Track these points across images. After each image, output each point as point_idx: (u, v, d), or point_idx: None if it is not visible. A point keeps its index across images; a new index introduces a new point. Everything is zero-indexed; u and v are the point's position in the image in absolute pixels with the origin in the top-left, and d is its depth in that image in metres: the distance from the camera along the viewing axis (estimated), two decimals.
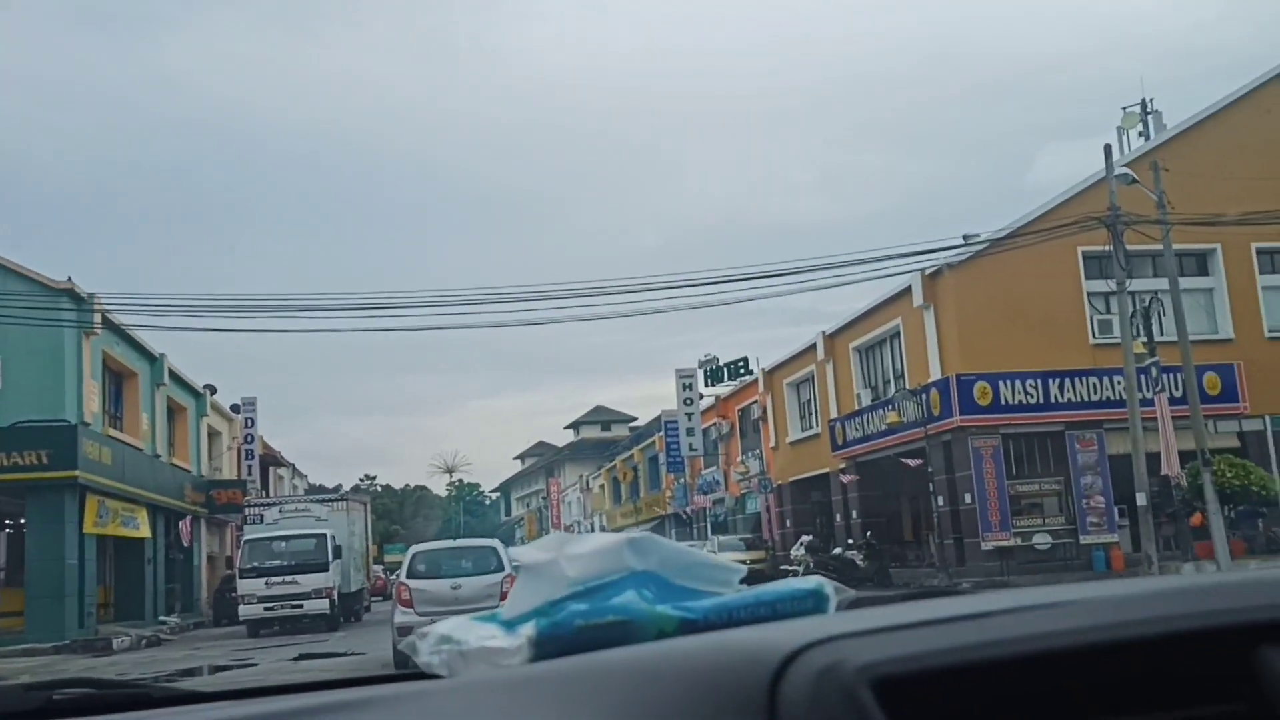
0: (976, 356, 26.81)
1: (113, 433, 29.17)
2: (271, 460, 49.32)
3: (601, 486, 68.03)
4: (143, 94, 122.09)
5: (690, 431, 44.11)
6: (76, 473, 25.15)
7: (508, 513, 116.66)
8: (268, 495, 44.81)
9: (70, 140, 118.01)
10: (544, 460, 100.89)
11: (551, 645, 1.28)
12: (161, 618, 31.60)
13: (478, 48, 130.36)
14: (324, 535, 26.21)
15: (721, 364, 42.90)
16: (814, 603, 1.36)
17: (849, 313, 33.62)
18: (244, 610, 25.30)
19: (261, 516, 28.50)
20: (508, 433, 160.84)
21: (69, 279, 25.66)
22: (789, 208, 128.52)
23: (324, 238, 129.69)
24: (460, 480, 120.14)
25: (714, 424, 44.60)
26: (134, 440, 30.70)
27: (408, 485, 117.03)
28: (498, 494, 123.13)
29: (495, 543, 17.90)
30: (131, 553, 31.08)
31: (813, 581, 1.39)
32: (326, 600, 25.50)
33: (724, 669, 1.05)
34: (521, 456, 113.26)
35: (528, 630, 1.30)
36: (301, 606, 25.27)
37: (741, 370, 41.92)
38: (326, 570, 25.62)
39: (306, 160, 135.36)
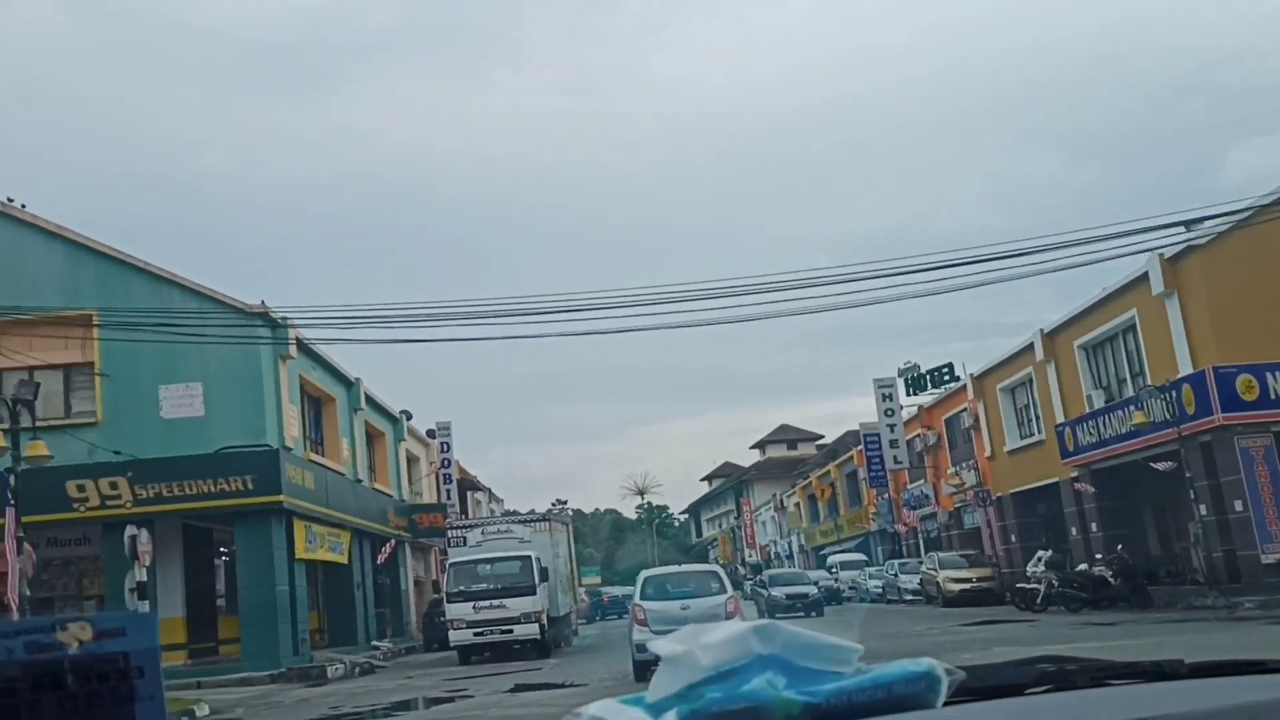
0: (1235, 346, 23.43)
1: (314, 457, 28.53)
2: (469, 485, 48.72)
3: (797, 505, 65.41)
4: (326, 143, 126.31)
5: (893, 444, 41.27)
6: (281, 498, 24.40)
7: (698, 534, 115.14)
8: (467, 518, 44.12)
9: (263, 191, 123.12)
10: (732, 481, 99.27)
11: None
12: (374, 643, 30.79)
13: (638, 79, 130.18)
14: (529, 557, 24.77)
15: (923, 371, 39.96)
16: (927, 684, 1.43)
17: (1066, 310, 30.41)
18: (454, 636, 24.05)
19: (464, 539, 27.27)
20: (687, 456, 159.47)
21: (262, 302, 25.04)
22: (957, 219, 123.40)
23: (499, 271, 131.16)
24: (649, 503, 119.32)
25: (918, 435, 41.61)
26: (335, 465, 30.04)
27: (597, 509, 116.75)
28: (686, 515, 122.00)
29: (716, 568, 19.70)
30: (340, 578, 30.38)
31: (925, 663, 1.44)
32: (536, 625, 24.02)
33: None
34: (709, 478, 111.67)
35: (671, 716, 1.38)
36: (511, 631, 23.88)
37: (946, 377, 38.90)
38: (534, 593, 24.15)
39: (478, 198, 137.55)
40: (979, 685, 1.51)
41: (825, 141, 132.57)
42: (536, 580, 24.37)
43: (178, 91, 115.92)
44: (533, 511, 28.78)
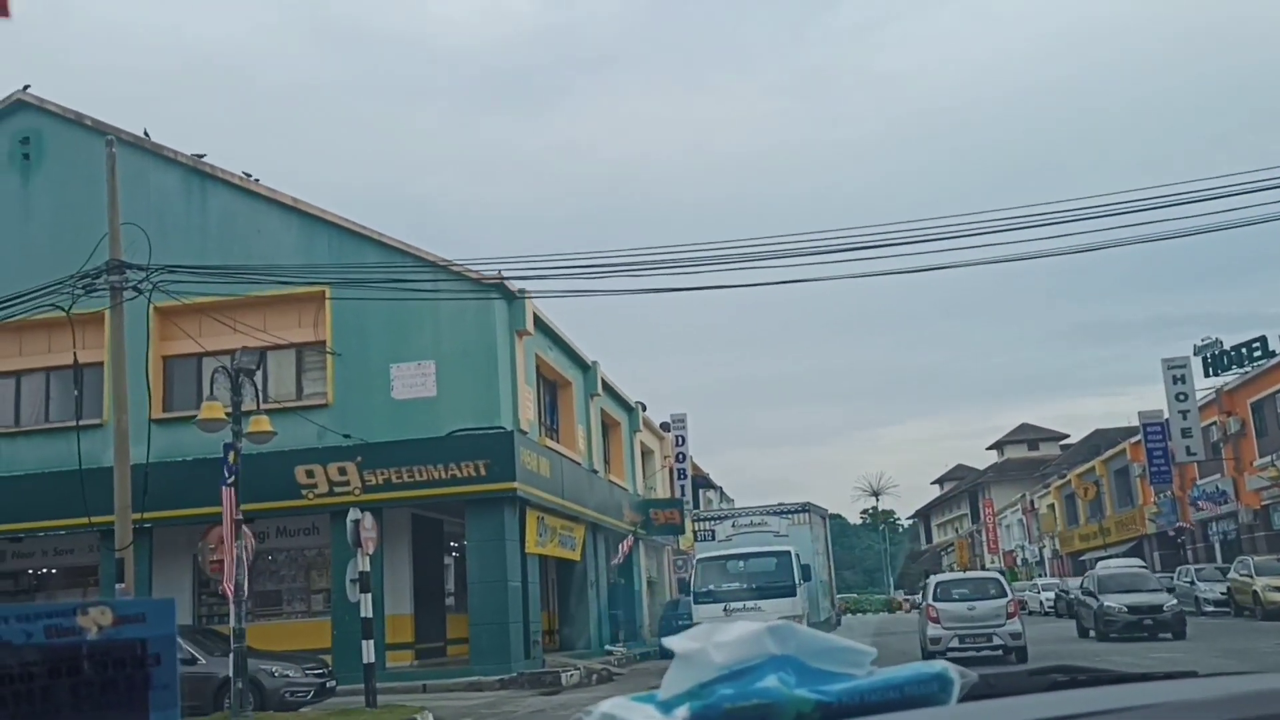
0: None
1: (549, 444, 26.03)
2: (702, 482, 45.72)
3: (1051, 506, 59.44)
4: (553, 158, 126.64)
5: (1185, 433, 35.61)
6: (515, 485, 21.91)
7: (928, 539, 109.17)
8: (703, 511, 41.14)
9: (491, 207, 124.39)
10: (966, 484, 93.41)
11: None
12: (608, 647, 28.10)
13: (864, 78, 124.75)
14: (788, 553, 21.44)
15: (1227, 347, 34.22)
16: (939, 686, 1.42)
17: None
18: None
19: (712, 533, 24.20)
20: (909, 459, 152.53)
21: (498, 272, 22.59)
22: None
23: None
24: (874, 507, 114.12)
25: (1213, 422, 35.83)
26: (570, 453, 27.50)
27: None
28: (914, 520, 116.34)
29: (997, 574, 22.32)
30: (572, 576, 27.83)
31: (938, 666, 1.45)
32: None
33: None
34: (940, 481, 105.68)
35: (682, 712, 1.38)
36: None
37: (1257, 352, 33.10)
38: (794, 595, 20.79)
39: (695, 204, 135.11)
40: (991, 690, 1.51)
41: (1063, 126, 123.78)
42: (797, 579, 21.00)
43: (419, 116, 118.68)
44: (781, 504, 25.26)
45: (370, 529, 16.60)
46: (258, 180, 23.96)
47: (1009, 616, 20.04)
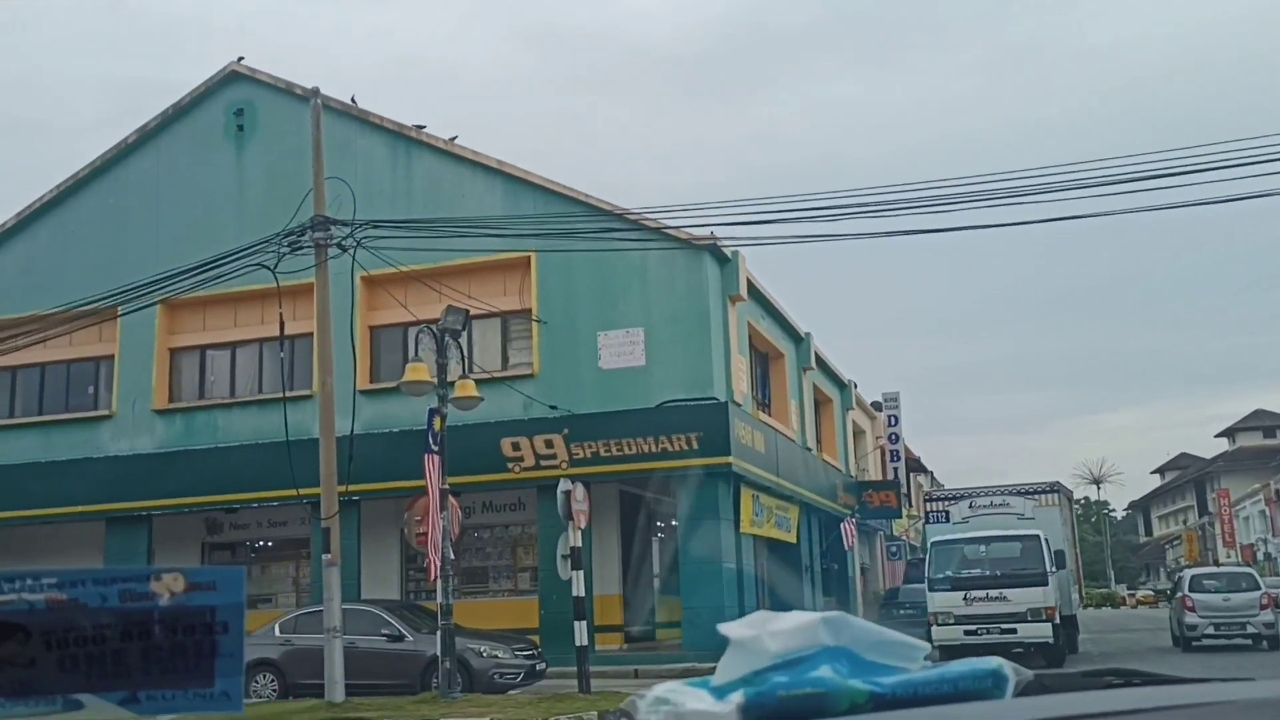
0: None
1: (763, 417, 24.21)
2: (913, 465, 43.00)
3: None
4: (744, 147, 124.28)
5: None
6: (730, 459, 20.21)
7: (1147, 532, 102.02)
8: (910, 501, 38.54)
9: (680, 197, 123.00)
10: (1191, 473, 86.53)
11: (756, 712, 1.36)
12: None
13: (1072, 50, 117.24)
14: (1036, 537, 18.96)
15: None
16: (993, 682, 1.40)
17: None
18: (939, 634, 18.72)
19: (946, 514, 21.83)
20: (1124, 448, 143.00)
21: (711, 234, 20.89)
22: None
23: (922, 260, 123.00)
24: (1088, 498, 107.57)
25: None
26: (784, 428, 25.60)
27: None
28: (1129, 511, 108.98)
29: (1251, 569, 24.17)
30: (785, 558, 25.94)
31: (994, 662, 1.43)
32: (1048, 624, 18.20)
33: None
34: (1161, 470, 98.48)
35: (737, 698, 1.37)
36: (1015, 631, 18.23)
37: None
38: (1044, 584, 18.33)
39: (898, 190, 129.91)
40: (1044, 688, 1.48)
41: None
42: (1048, 566, 18.52)
43: (610, 108, 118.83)
44: (1026, 483, 22.60)
45: (582, 501, 15.22)
46: (455, 139, 23.06)
47: (1262, 608, 21.75)
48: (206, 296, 22.40)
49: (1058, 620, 18.41)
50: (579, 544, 14.98)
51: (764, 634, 1.44)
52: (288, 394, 22.60)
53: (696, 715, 1.39)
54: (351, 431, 15.85)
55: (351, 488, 15.80)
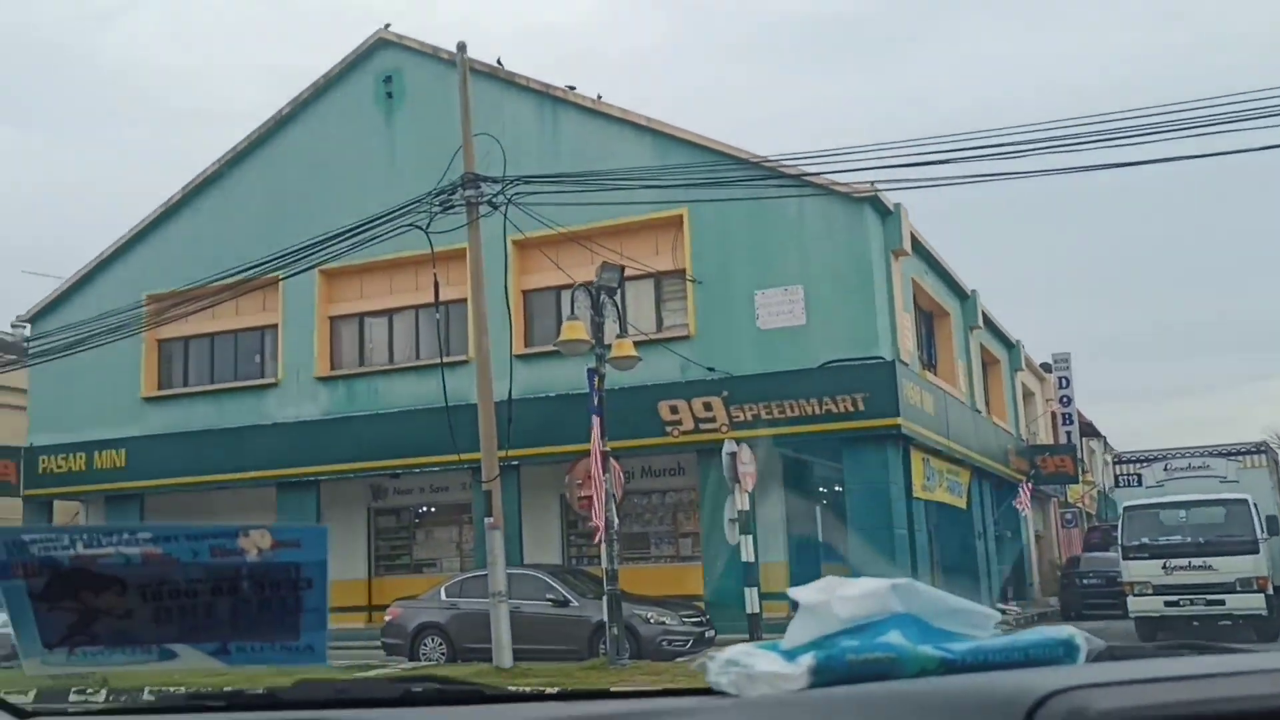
0: None
1: (930, 377, 22.98)
2: (1086, 430, 40.75)
3: None
4: (890, 109, 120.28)
5: None
6: (899, 420, 19.16)
7: None
8: (1085, 466, 36.50)
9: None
10: None
11: (827, 674, 1.38)
12: (999, 606, 24.79)
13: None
14: (1244, 501, 17.35)
15: None
16: (1065, 651, 1.42)
17: None
18: (1135, 604, 17.37)
19: (1139, 477, 20.27)
20: None
21: (871, 184, 19.77)
22: None
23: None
24: None
25: None
26: (951, 389, 24.29)
27: None
28: None
29: None
30: (957, 525, 24.69)
31: (1065, 631, 1.44)
32: (1260, 595, 16.63)
33: (982, 707, 1.16)
34: None
35: (807, 660, 1.40)
36: (1223, 603, 16.73)
37: None
38: (1255, 552, 16.75)
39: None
40: (1118, 655, 1.48)
41: None
42: (1258, 532, 16.91)
43: (748, 75, 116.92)
44: (1229, 444, 20.79)
45: (748, 463, 14.53)
46: (601, 97, 22.47)
47: None
48: (362, 264, 22.51)
49: (1270, 591, 16.79)
50: (746, 507, 14.29)
51: (834, 599, 1.45)
52: (444, 359, 22.58)
53: (767, 677, 1.41)
54: (510, 395, 15.44)
55: (511, 452, 15.45)
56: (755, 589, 14.23)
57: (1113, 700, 1.08)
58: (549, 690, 1.82)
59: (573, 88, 22.44)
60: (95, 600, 1.36)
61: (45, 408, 25.01)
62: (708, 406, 20.07)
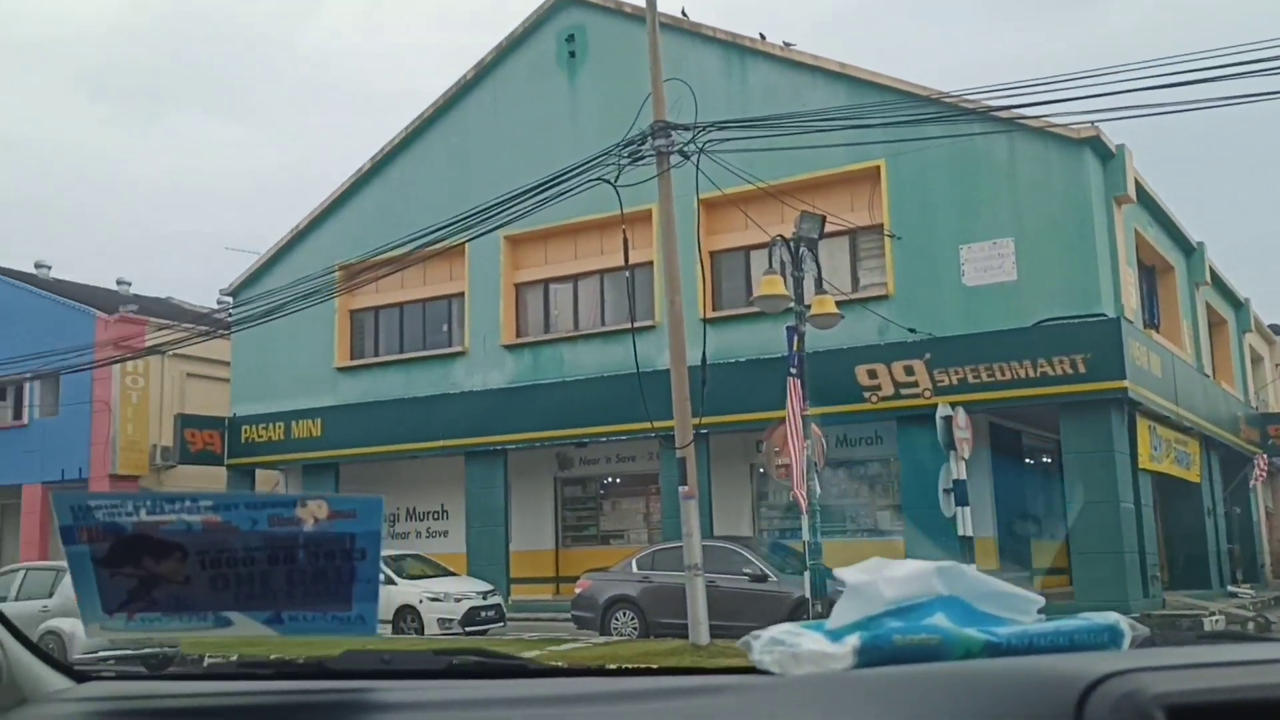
0: None
1: (1156, 337, 20.92)
2: None
3: None
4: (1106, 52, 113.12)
5: None
6: (1125, 383, 17.38)
7: None
8: None
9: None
10: None
11: (872, 655, 1.39)
12: (1230, 588, 22.58)
13: None
14: None
15: None
16: (1109, 637, 1.42)
17: None
18: None
19: None
20: None
21: (1093, 125, 17.92)
22: None
23: None
24: None
25: None
26: (1177, 351, 22.11)
27: None
28: None
29: None
30: (1185, 500, 22.53)
31: (1110, 617, 1.44)
32: None
33: (1033, 691, 1.16)
34: None
35: (853, 640, 1.40)
36: None
37: None
38: None
39: None
40: (1163, 642, 1.48)
41: None
42: None
43: (942, 28, 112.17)
44: None
45: (964, 428, 13.22)
46: (791, 45, 21.22)
47: None
48: (546, 229, 22.07)
49: None
50: (963, 476, 13.01)
51: (879, 580, 1.46)
52: (634, 324, 21.88)
53: (812, 656, 1.41)
54: (704, 359, 14.52)
55: (702, 421, 14.55)
56: (973, 565, 12.90)
57: (1166, 684, 1.09)
58: (593, 665, 1.82)
59: (762, 36, 21.29)
60: (156, 566, 1.36)
61: (246, 379, 25.65)
62: (909, 370, 18.73)
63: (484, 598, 17.89)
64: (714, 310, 20.80)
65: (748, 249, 20.99)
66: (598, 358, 21.66)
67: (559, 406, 21.53)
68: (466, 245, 21.67)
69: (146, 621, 1.39)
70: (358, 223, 24.18)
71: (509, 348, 22.90)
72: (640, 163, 14.50)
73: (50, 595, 14.97)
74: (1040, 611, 1.47)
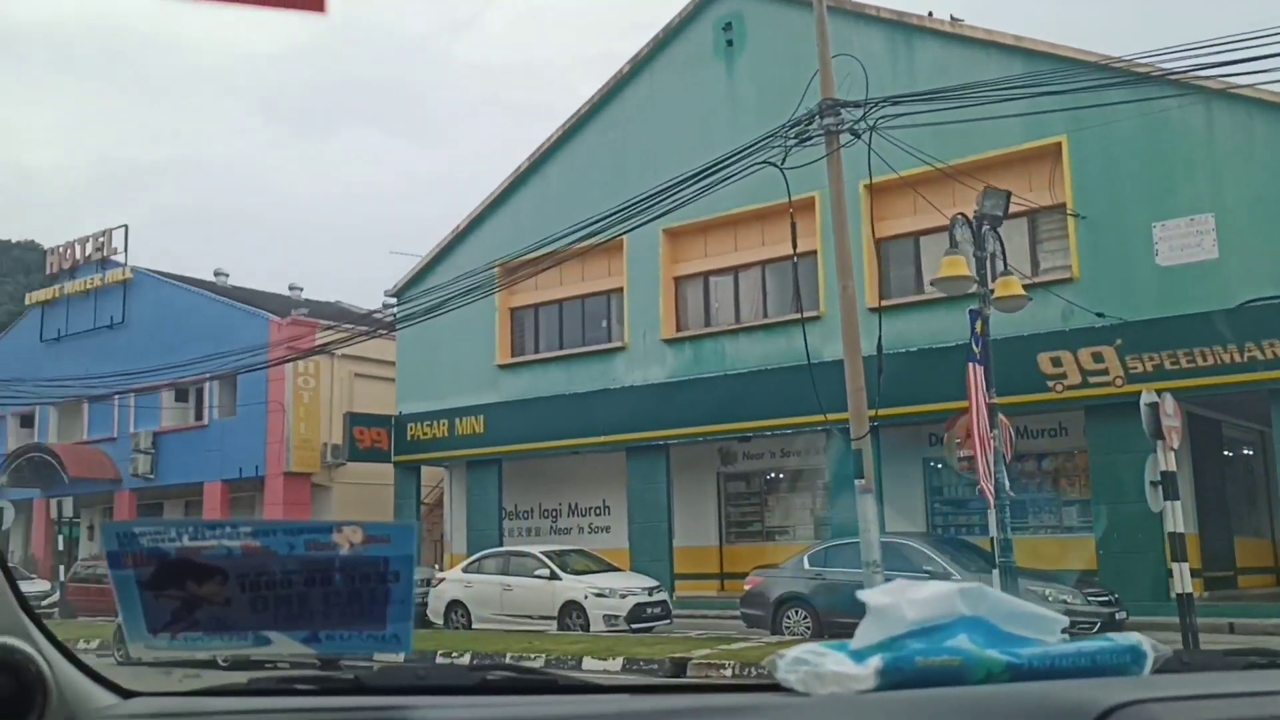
0: None
1: None
2: None
3: None
4: None
5: None
6: None
7: None
8: None
9: None
10: None
11: (894, 676, 1.40)
12: None
13: None
14: None
15: None
16: (1132, 658, 1.43)
17: None
18: None
19: None
20: None
21: None
22: None
23: None
24: None
25: None
26: None
27: None
28: None
29: None
30: None
31: (1133, 638, 1.45)
32: None
33: (1047, 718, 1.20)
34: None
35: (875, 661, 1.41)
36: None
37: None
38: None
39: None
40: (1185, 666, 1.48)
41: None
42: None
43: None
44: None
45: (1172, 415, 12.10)
46: (960, 20, 20.18)
47: None
48: (706, 221, 21.64)
49: None
50: (1172, 467, 11.90)
51: (902, 601, 1.46)
52: (801, 313, 21.24)
53: (835, 677, 1.42)
54: (879, 346, 13.77)
55: (880, 412, 13.80)
56: (1185, 564, 11.82)
57: (1178, 716, 1.11)
58: (621, 683, 1.70)
59: (930, 14, 20.33)
60: (198, 589, 1.42)
61: (411, 378, 26.03)
62: (1097, 357, 17.51)
63: (650, 594, 17.51)
64: (882, 299, 19.94)
65: (917, 235, 20.09)
66: (760, 350, 21.08)
67: (721, 400, 21.03)
68: (625, 240, 21.41)
69: (189, 640, 1.45)
70: (516, 221, 24.19)
71: (669, 342, 22.52)
72: (808, 143, 13.85)
73: None
74: (1064, 631, 1.47)
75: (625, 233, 19.07)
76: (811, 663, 1.44)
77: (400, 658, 2.12)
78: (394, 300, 26.92)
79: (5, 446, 33.75)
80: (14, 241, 68.77)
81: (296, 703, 1.63)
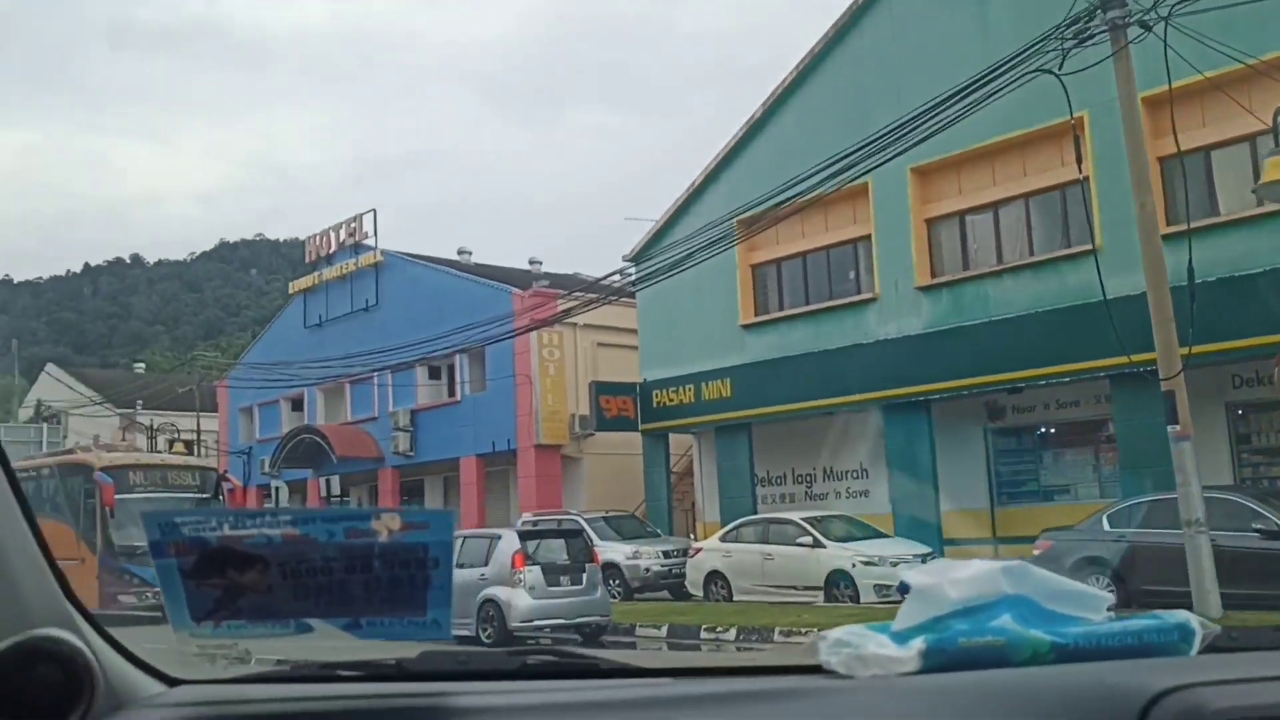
0: None
1: None
2: None
3: None
4: None
5: None
6: None
7: None
8: None
9: None
10: None
11: (938, 658, 1.39)
12: None
13: None
14: None
15: None
16: (1180, 636, 1.41)
17: None
18: None
19: None
20: None
21: None
22: None
23: None
24: None
25: None
26: None
27: None
28: None
29: None
30: None
31: (1181, 615, 1.43)
32: None
33: (1094, 702, 1.18)
34: None
35: (918, 644, 1.40)
36: None
37: None
38: None
39: None
40: (1234, 644, 1.45)
41: None
42: None
43: None
44: None
45: None
46: None
47: None
48: (958, 156, 20.03)
49: None
50: None
51: (945, 582, 1.45)
52: (1064, 251, 19.35)
53: (878, 659, 1.40)
54: (1190, 271, 11.88)
55: (1194, 349, 11.92)
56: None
57: (1228, 699, 1.08)
58: (669, 666, 1.71)
59: None
60: (240, 577, 1.43)
61: (654, 343, 25.53)
62: None
63: (923, 561, 16.20)
64: (1168, 225, 17.67)
65: (1207, 149, 17.70)
66: (1028, 292, 19.22)
67: (986, 350, 19.33)
68: (869, 182, 20.01)
69: (232, 628, 1.46)
70: (753, 172, 23.08)
71: (924, 289, 20.92)
72: (1090, 43, 12.09)
73: (486, 563, 15.10)
74: (1110, 610, 1.44)
75: (869, 171, 17.67)
76: (854, 645, 1.43)
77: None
78: (631, 264, 26.47)
79: (280, 429, 35.79)
80: (281, 240, 73.53)
81: (340, 689, 1.62)
